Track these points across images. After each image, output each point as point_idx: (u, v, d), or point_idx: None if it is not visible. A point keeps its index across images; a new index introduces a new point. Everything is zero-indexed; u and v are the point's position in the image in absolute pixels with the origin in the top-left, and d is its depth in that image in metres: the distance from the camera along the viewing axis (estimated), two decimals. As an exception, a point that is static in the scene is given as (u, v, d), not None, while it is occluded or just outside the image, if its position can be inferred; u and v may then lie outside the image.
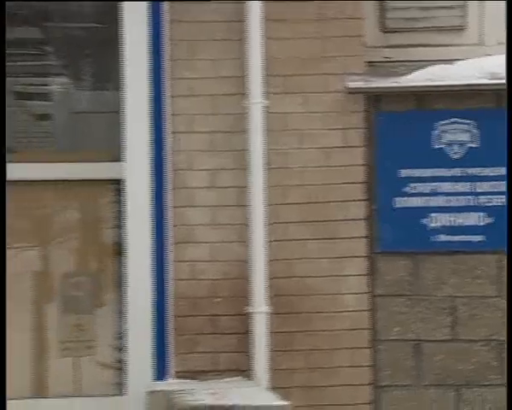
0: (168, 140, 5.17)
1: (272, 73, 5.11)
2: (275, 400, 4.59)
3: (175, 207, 5.17)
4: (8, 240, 5.38)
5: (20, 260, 5.51)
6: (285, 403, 4.41)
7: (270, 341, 5.04)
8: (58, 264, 5.54)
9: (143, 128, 5.25)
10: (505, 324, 4.53)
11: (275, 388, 4.89)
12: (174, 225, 5.17)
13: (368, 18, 5.23)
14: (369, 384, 5.06)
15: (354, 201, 5.12)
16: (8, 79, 5.69)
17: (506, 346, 4.58)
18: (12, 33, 5.56)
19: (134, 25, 5.22)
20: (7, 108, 5.78)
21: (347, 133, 5.13)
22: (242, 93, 5.13)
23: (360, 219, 5.10)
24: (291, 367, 5.03)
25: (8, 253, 5.34)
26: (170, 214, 5.16)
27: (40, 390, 5.43)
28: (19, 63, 5.81)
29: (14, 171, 5.30)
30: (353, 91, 5.08)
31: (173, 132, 5.16)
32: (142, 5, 5.17)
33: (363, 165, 5.13)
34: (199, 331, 5.13)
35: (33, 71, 5.90)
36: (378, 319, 5.08)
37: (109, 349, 5.44)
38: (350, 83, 5.08)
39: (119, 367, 5.33)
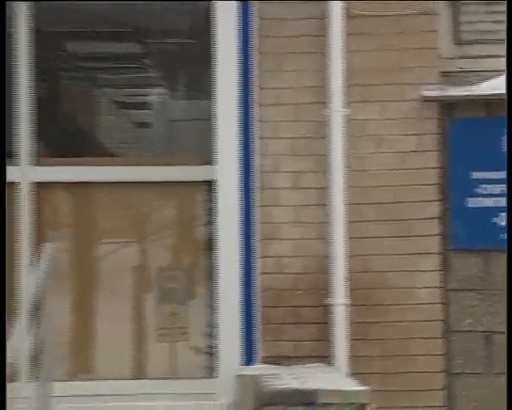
0: (256, 145, 5.21)
1: (352, 83, 5.14)
2: (354, 385, 4.59)
3: (261, 206, 5.21)
4: (109, 236, 5.66)
5: (120, 256, 5.60)
6: (364, 388, 4.40)
7: (348, 330, 5.04)
8: (155, 258, 5.61)
9: (233, 134, 5.26)
10: None
11: (353, 374, 4.89)
12: (261, 223, 5.20)
13: (442, 31, 5.21)
14: (442, 372, 5.04)
15: (428, 201, 5.11)
16: (111, 90, 5.91)
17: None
18: (115, 48, 5.77)
19: (225, 40, 5.24)
20: (110, 117, 5.97)
21: (422, 138, 5.14)
22: (324, 102, 5.14)
23: (434, 218, 5.09)
24: (369, 355, 5.04)
25: (109, 248, 5.63)
26: (257, 213, 5.21)
27: (139, 372, 5.49)
28: (122, 76, 5.94)
29: (117, 173, 5.47)
30: (428, 100, 5.10)
31: (260, 138, 5.21)
32: (233, 21, 5.21)
33: (436, 168, 5.13)
34: (283, 321, 5.16)
35: (134, 83, 5.98)
36: (451, 311, 5.07)
37: (201, 336, 5.45)
38: (425, 92, 5.10)
39: (211, 352, 5.35)
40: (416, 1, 5.14)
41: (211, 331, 5.36)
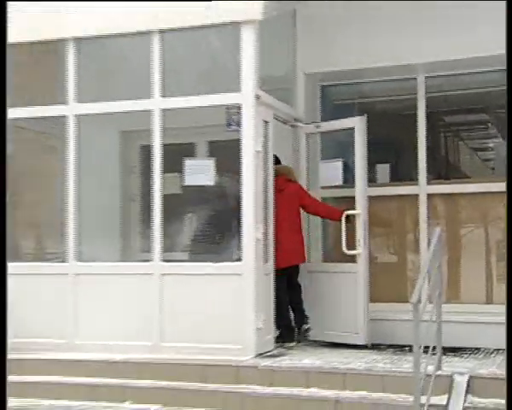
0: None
1: None
2: None
3: None
4: (467, 222, 6.19)
5: (475, 233, 6.17)
6: None
7: None
8: (494, 235, 6.09)
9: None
10: None
11: None
12: None
13: None
14: None
15: None
16: (468, 141, 6.56)
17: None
18: (472, 117, 6.45)
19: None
20: (467, 156, 6.61)
21: None
22: None
23: None
24: None
25: (468, 229, 6.19)
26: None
27: (487, 299, 6.02)
28: (474, 132, 6.63)
29: (472, 188, 5.99)
30: None
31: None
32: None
33: None
34: None
35: (481, 136, 6.67)
36: None
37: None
38: None
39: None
40: None
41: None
